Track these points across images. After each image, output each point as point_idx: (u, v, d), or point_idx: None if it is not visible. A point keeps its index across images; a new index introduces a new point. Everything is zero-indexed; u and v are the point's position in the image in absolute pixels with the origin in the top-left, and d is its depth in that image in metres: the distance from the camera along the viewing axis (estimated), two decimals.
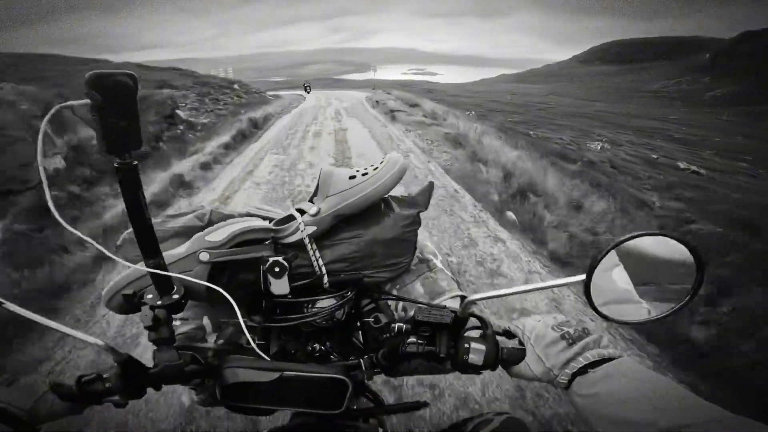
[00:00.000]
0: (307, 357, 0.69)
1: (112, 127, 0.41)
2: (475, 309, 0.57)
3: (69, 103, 0.42)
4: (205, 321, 0.71)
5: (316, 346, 0.69)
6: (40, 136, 0.41)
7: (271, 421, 1.41)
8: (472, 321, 0.58)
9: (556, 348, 0.52)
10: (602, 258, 0.47)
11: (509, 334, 0.59)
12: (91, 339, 0.52)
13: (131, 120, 0.43)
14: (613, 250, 0.47)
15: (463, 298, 0.70)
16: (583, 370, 0.48)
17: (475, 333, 0.58)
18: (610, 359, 0.48)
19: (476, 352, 0.55)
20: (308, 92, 27.87)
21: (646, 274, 0.50)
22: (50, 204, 0.44)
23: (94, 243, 0.53)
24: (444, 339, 0.57)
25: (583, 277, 0.48)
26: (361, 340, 0.75)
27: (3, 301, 0.49)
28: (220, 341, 0.65)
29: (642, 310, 0.51)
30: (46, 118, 0.42)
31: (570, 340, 0.51)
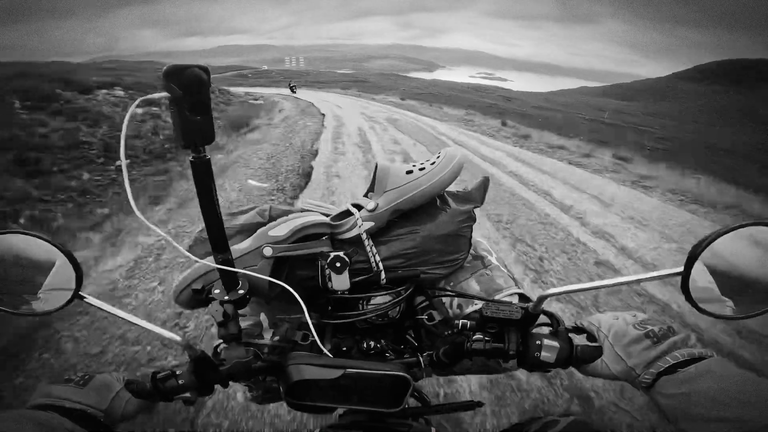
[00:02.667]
0: (362, 355, 0.68)
1: (189, 120, 0.42)
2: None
3: (149, 96, 0.43)
4: (262, 317, 0.71)
5: (372, 343, 0.68)
6: (123, 131, 0.42)
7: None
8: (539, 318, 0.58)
9: (640, 346, 0.50)
10: (703, 250, 0.44)
11: (579, 330, 0.58)
12: (167, 334, 0.54)
13: (205, 114, 0.43)
14: (714, 242, 0.45)
15: (521, 296, 0.69)
16: (670, 370, 0.47)
17: (542, 330, 0.58)
18: (700, 358, 0.46)
19: (549, 349, 0.54)
20: (294, 92, 25.78)
21: (749, 267, 0.47)
22: (131, 200, 0.44)
23: (171, 240, 0.54)
24: (513, 336, 0.56)
25: (681, 269, 0.46)
26: (415, 338, 0.74)
27: (84, 295, 0.52)
28: (276, 338, 0.64)
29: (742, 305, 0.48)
30: (129, 112, 0.42)
31: (655, 339, 0.50)
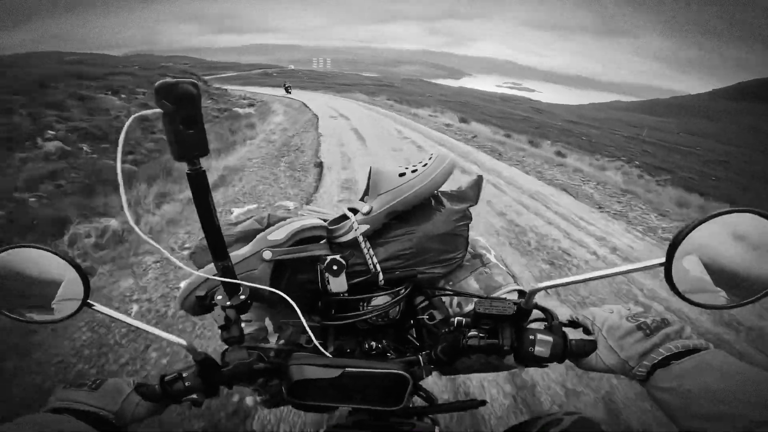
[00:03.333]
0: (363, 355, 0.69)
1: (182, 134, 0.43)
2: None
3: (143, 112, 0.44)
4: (267, 322, 0.74)
5: (373, 344, 0.69)
6: (120, 146, 0.43)
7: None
8: (535, 313, 0.58)
9: (632, 338, 0.50)
10: (683, 238, 0.44)
11: (574, 324, 0.59)
12: (173, 338, 0.55)
13: (198, 127, 0.44)
14: (694, 230, 0.45)
15: (520, 292, 0.70)
16: (664, 362, 0.46)
17: (537, 325, 0.59)
18: (695, 350, 0.46)
19: (543, 344, 0.54)
20: (289, 92, 26.02)
21: (732, 254, 0.46)
22: (127, 212, 0.45)
23: (165, 252, 0.55)
24: (507, 331, 0.57)
25: (663, 260, 0.46)
26: (416, 337, 0.76)
27: (93, 303, 0.54)
28: (281, 342, 0.66)
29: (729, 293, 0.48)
30: (125, 128, 0.43)
31: (647, 331, 0.50)
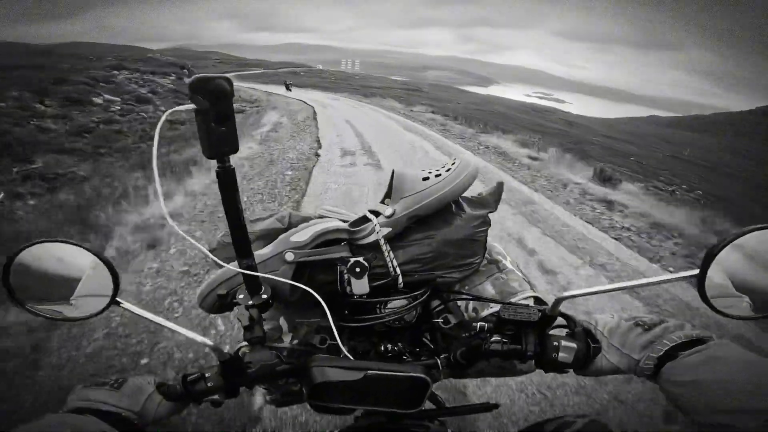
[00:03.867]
0: (379, 357, 0.70)
1: (214, 131, 0.43)
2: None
3: (177, 108, 0.44)
4: (281, 321, 0.73)
5: (389, 346, 0.70)
6: (155, 143, 0.43)
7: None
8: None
9: (632, 334, 0.51)
10: (719, 251, 0.45)
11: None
12: (199, 338, 0.55)
13: (229, 124, 0.44)
14: (729, 245, 0.45)
15: (536, 299, 0.70)
16: (672, 355, 0.46)
17: (557, 331, 0.60)
18: (700, 341, 0.46)
19: (566, 350, 0.55)
20: (289, 90, 25.54)
21: (763, 267, 0.47)
22: (163, 208, 0.46)
23: (198, 245, 0.57)
24: (531, 337, 0.57)
25: (696, 271, 0.46)
26: (431, 341, 0.76)
27: (121, 301, 0.54)
28: (295, 342, 0.67)
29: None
30: (159, 124, 0.43)
31: (645, 326, 0.50)
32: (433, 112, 17.45)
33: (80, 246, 0.52)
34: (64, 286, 0.54)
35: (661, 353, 0.47)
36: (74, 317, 0.54)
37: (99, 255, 0.52)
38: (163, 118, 0.44)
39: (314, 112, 14.16)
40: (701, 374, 0.42)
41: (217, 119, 0.43)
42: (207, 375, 0.56)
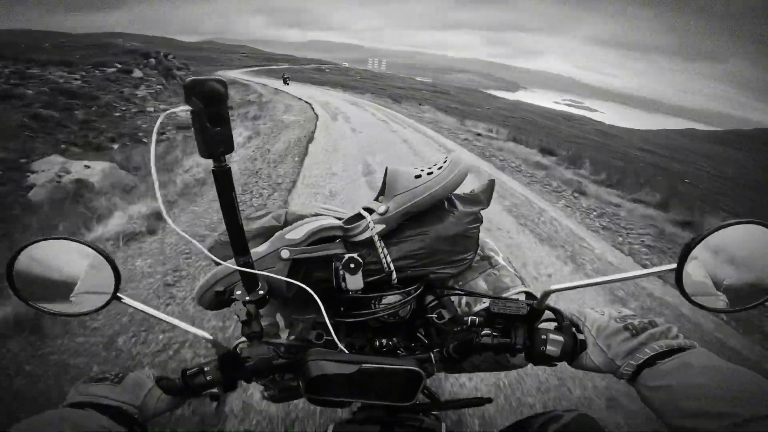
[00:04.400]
0: (374, 352, 0.71)
1: (209, 131, 0.44)
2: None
3: (173, 109, 0.45)
4: (278, 318, 0.75)
5: (384, 341, 0.72)
6: (153, 144, 0.44)
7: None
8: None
9: (618, 338, 0.52)
10: (695, 246, 0.47)
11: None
12: (199, 332, 0.58)
13: (225, 125, 0.45)
14: (705, 239, 0.47)
15: (528, 294, 0.72)
16: (650, 362, 0.48)
17: (547, 325, 0.61)
18: (680, 350, 0.47)
19: (554, 344, 0.56)
20: (287, 84, 25.27)
21: (737, 262, 0.49)
22: (162, 207, 0.47)
23: (197, 244, 0.57)
24: (520, 331, 0.59)
25: (674, 266, 0.48)
26: (425, 336, 0.77)
27: (122, 296, 0.55)
28: (292, 337, 0.69)
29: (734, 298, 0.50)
30: (156, 126, 0.44)
31: (634, 331, 0.51)
32: (514, 140, 11.12)
33: (82, 242, 0.53)
34: (66, 282, 0.55)
35: (641, 361, 0.48)
36: (76, 313, 0.55)
37: (100, 251, 0.53)
38: (161, 118, 0.45)
39: (311, 134, 8.57)
40: (672, 379, 0.44)
41: (211, 120, 0.44)
42: (206, 369, 0.58)
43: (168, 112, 0.45)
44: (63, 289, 0.55)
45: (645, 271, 0.51)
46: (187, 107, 0.43)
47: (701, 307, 0.50)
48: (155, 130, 0.44)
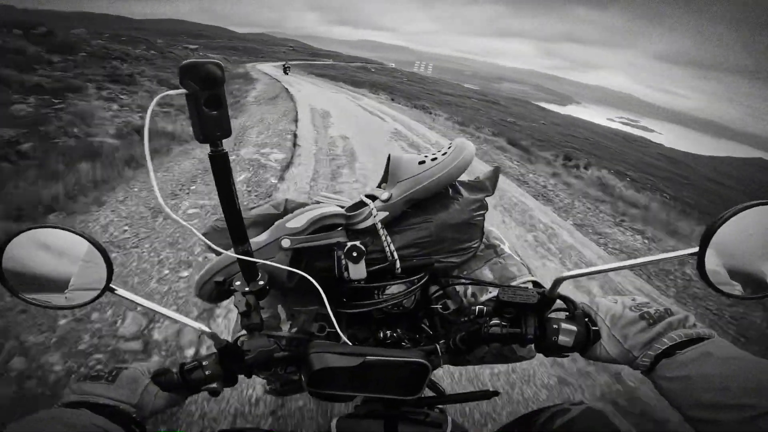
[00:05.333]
0: (378, 344, 0.70)
1: (205, 115, 0.43)
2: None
3: (167, 92, 0.44)
4: (279, 309, 0.73)
5: (388, 332, 0.70)
6: (146, 127, 0.43)
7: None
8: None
9: (635, 328, 0.50)
10: (718, 227, 0.44)
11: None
12: (196, 324, 0.56)
13: (222, 109, 0.44)
14: (728, 221, 0.44)
15: (535, 283, 0.70)
16: (669, 352, 0.47)
17: (557, 314, 0.59)
18: (699, 339, 0.46)
19: (567, 333, 0.54)
20: (287, 73, 25.09)
21: (763, 245, 0.46)
22: (156, 191, 0.45)
23: (194, 230, 0.54)
24: (530, 320, 0.57)
25: (696, 249, 0.46)
26: (430, 327, 0.76)
27: (115, 288, 0.53)
28: (294, 330, 0.68)
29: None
30: (150, 108, 0.43)
31: (651, 320, 0.50)
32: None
33: (74, 231, 0.52)
34: (57, 273, 0.53)
35: (659, 351, 0.47)
36: (67, 305, 0.54)
37: (92, 240, 0.51)
38: (154, 102, 0.44)
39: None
40: (691, 370, 0.43)
41: (208, 104, 0.43)
42: (204, 363, 0.57)
43: (162, 94, 0.44)
44: (52, 279, 0.53)
45: (663, 255, 0.48)
46: (183, 90, 0.42)
47: (723, 293, 0.48)
48: (148, 113, 0.42)
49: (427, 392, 0.71)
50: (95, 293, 0.53)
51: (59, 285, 0.53)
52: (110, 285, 0.53)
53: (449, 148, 0.70)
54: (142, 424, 0.52)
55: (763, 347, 2.58)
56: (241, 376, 0.61)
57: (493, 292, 0.70)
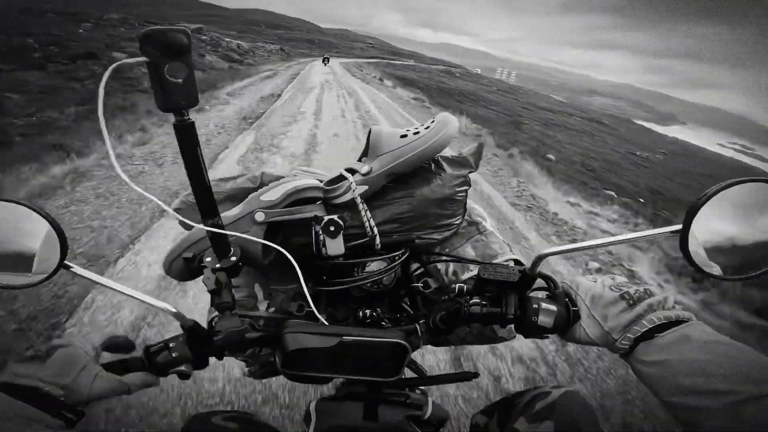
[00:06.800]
0: (357, 324, 0.69)
1: (168, 84, 0.43)
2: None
3: (125, 60, 0.43)
4: (257, 288, 0.72)
5: (367, 312, 0.69)
6: (100, 96, 0.43)
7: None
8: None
9: (615, 309, 0.50)
10: (702, 205, 0.44)
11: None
12: (160, 304, 0.54)
13: (187, 77, 0.44)
14: (711, 198, 0.44)
15: (516, 261, 0.70)
16: (648, 335, 0.47)
17: (538, 293, 0.59)
18: (678, 322, 0.46)
19: (547, 314, 0.54)
20: (326, 64, 24.86)
21: (746, 224, 0.46)
22: (113, 160, 0.45)
23: (156, 200, 0.54)
24: (511, 299, 0.56)
25: (679, 227, 0.46)
26: (410, 306, 0.76)
27: (71, 265, 0.51)
28: (271, 309, 0.66)
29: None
30: (104, 77, 0.42)
31: (630, 301, 0.50)
32: None
33: (24, 205, 0.50)
34: (11, 251, 0.51)
35: (639, 334, 0.47)
36: (21, 285, 0.51)
37: (46, 216, 0.49)
38: (109, 70, 0.42)
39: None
40: (669, 354, 0.43)
41: (172, 72, 0.42)
42: (171, 345, 0.54)
43: (117, 63, 0.42)
44: (5, 258, 0.51)
45: (645, 233, 0.48)
46: (143, 58, 0.41)
47: (705, 273, 0.47)
48: (102, 81, 0.41)
49: (410, 374, 0.71)
50: (49, 270, 0.50)
51: (10, 263, 0.51)
52: (65, 262, 0.50)
53: (432, 122, 0.69)
54: (76, 408, 0.46)
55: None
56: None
57: (474, 270, 0.69)
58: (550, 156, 13.94)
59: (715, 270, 0.47)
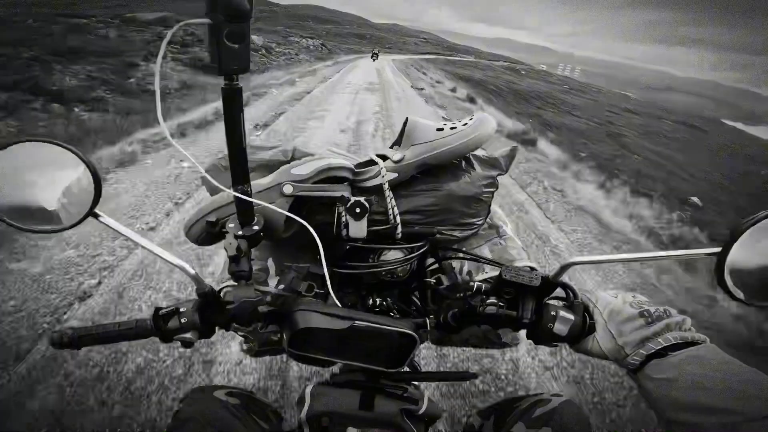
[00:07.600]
0: (366, 311, 0.70)
1: (225, 48, 0.43)
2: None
3: (189, 21, 0.44)
4: (270, 263, 0.73)
5: (378, 300, 0.70)
6: (161, 54, 0.44)
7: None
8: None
9: (632, 325, 0.51)
10: (745, 230, 0.44)
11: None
12: (177, 261, 0.54)
13: (244, 43, 0.44)
14: (753, 227, 0.44)
15: (533, 269, 0.68)
16: (661, 353, 0.47)
17: (555, 302, 0.59)
18: (693, 343, 0.47)
19: (563, 322, 0.54)
20: (374, 60, 25.24)
21: None
22: (160, 119, 0.46)
23: (191, 158, 0.55)
24: (529, 304, 0.57)
25: (717, 249, 0.46)
26: (420, 300, 0.77)
27: (100, 213, 0.52)
28: (281, 286, 0.64)
29: None
30: (167, 36, 0.44)
31: (649, 319, 0.50)
32: None
33: (65, 147, 0.49)
34: (42, 192, 0.50)
35: (652, 351, 0.47)
36: (48, 229, 0.51)
37: (84, 158, 0.49)
38: (173, 30, 0.44)
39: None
40: (680, 372, 0.44)
41: (231, 37, 0.43)
42: (182, 310, 0.54)
43: (184, 23, 0.44)
44: (35, 199, 0.49)
45: (681, 252, 0.48)
46: (206, 20, 0.42)
47: (736, 298, 0.47)
48: (165, 41, 0.43)
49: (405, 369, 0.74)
50: (77, 218, 0.50)
51: (40, 205, 0.50)
52: (94, 210, 0.50)
53: (470, 119, 0.70)
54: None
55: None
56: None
57: (490, 272, 0.71)
58: (695, 199, 9.23)
59: (740, 294, 0.47)
